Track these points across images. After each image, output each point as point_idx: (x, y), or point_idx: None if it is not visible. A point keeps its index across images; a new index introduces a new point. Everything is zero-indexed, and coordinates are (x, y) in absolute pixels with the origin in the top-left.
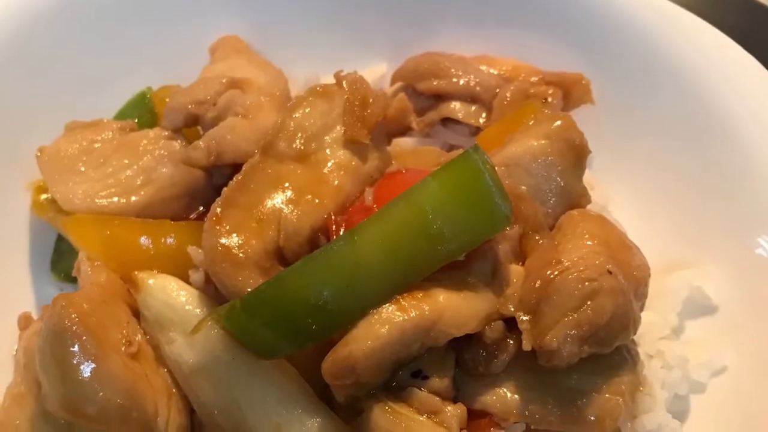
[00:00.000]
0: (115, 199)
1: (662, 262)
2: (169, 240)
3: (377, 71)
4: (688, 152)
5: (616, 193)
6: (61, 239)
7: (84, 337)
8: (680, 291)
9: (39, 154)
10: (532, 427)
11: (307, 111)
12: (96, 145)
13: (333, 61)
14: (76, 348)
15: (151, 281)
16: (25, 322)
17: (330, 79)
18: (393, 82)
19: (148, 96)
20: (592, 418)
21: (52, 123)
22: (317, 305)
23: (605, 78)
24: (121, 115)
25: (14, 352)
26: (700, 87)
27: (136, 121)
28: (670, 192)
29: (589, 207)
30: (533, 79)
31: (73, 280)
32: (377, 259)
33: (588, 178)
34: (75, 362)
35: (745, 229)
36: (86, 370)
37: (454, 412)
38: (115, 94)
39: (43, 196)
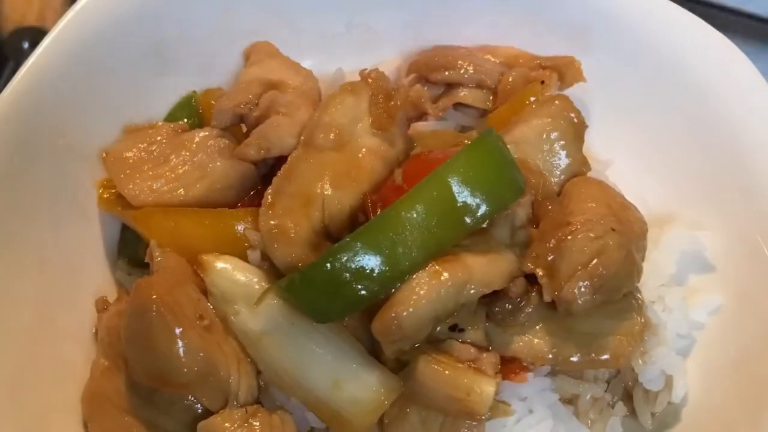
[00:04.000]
0: (177, 192)
1: (657, 218)
2: (228, 225)
3: (392, 64)
4: (674, 118)
5: (612, 159)
6: (125, 229)
7: (165, 314)
8: (676, 243)
9: (105, 155)
10: (557, 367)
11: (339, 106)
12: (154, 146)
13: (350, 55)
14: (158, 324)
15: (216, 262)
16: (102, 304)
17: (354, 75)
18: (408, 73)
19: (194, 99)
20: (607, 356)
21: (108, 126)
22: (365, 274)
23: (592, 58)
24: (170, 117)
25: (93, 331)
26: (679, 59)
27: (186, 122)
28: (661, 155)
29: (589, 174)
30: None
31: (139, 265)
32: (413, 231)
33: (586, 148)
34: (159, 336)
35: (735, 186)
36: (169, 342)
37: (489, 359)
38: (158, 98)
39: (108, 193)
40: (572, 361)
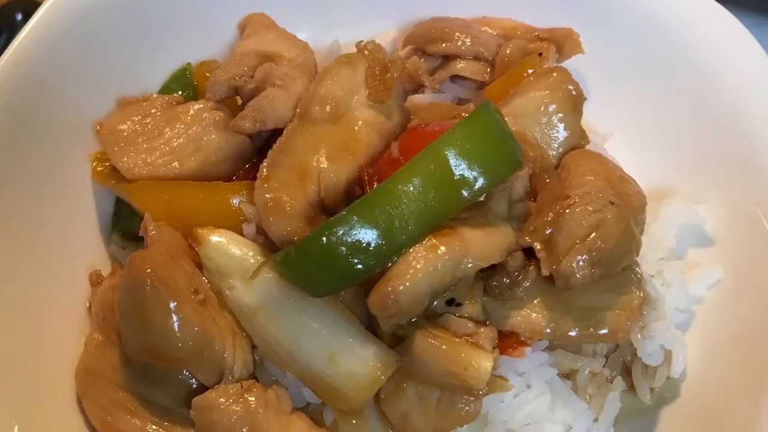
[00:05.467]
0: (171, 165)
1: (656, 191)
2: (223, 198)
3: (388, 36)
4: (673, 91)
5: (610, 132)
6: (119, 203)
7: (159, 288)
8: (675, 216)
9: (99, 128)
10: (555, 342)
11: (335, 78)
12: (149, 119)
13: (346, 26)
14: (153, 298)
15: (210, 236)
16: (96, 278)
17: (350, 47)
18: (404, 45)
19: (189, 71)
20: (606, 331)
21: (101, 99)
22: (361, 247)
23: (591, 30)
24: (165, 90)
25: (87, 305)
26: (677, 32)
27: (181, 94)
28: (660, 128)
29: (588, 147)
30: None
31: (133, 239)
32: (410, 204)
33: (585, 121)
34: (153, 310)
35: (735, 159)
36: (163, 316)
37: (487, 333)
38: (152, 70)
39: (102, 166)
40: (570, 336)
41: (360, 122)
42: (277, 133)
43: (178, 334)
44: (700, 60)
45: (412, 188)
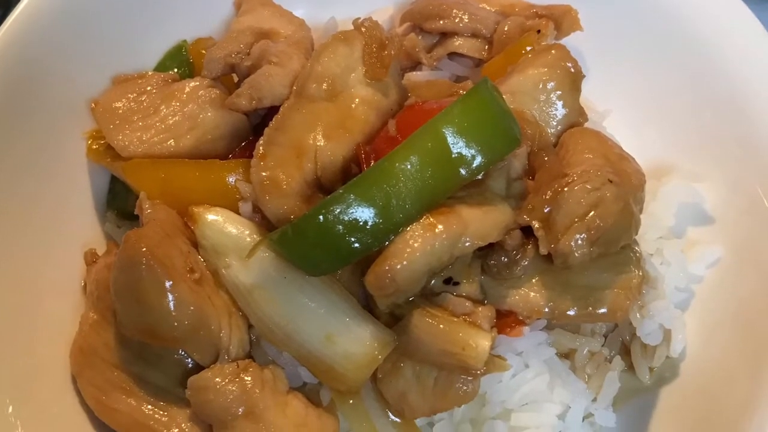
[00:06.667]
0: (167, 143)
1: (655, 169)
2: (219, 176)
3: (385, 12)
4: (672, 68)
5: (609, 110)
6: (114, 181)
7: (155, 267)
8: (674, 194)
9: (94, 106)
10: (553, 321)
11: (331, 55)
12: (144, 96)
13: (343, 4)
14: (148, 276)
15: (206, 214)
16: (91, 257)
17: (347, 25)
18: (402, 22)
19: (185, 48)
20: (604, 310)
21: (96, 76)
22: (358, 226)
23: (590, 6)
24: (160, 67)
25: (82, 284)
26: (676, 8)
27: (176, 71)
28: (659, 106)
29: (586, 124)
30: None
31: (128, 218)
32: (407, 183)
33: (583, 98)
34: (148, 289)
35: (734, 136)
36: (159, 295)
37: (484, 312)
38: (148, 48)
39: (97, 144)
40: (569, 315)
41: (357, 100)
42: (273, 110)
43: (173, 313)
44: (699, 37)
45: (409, 166)
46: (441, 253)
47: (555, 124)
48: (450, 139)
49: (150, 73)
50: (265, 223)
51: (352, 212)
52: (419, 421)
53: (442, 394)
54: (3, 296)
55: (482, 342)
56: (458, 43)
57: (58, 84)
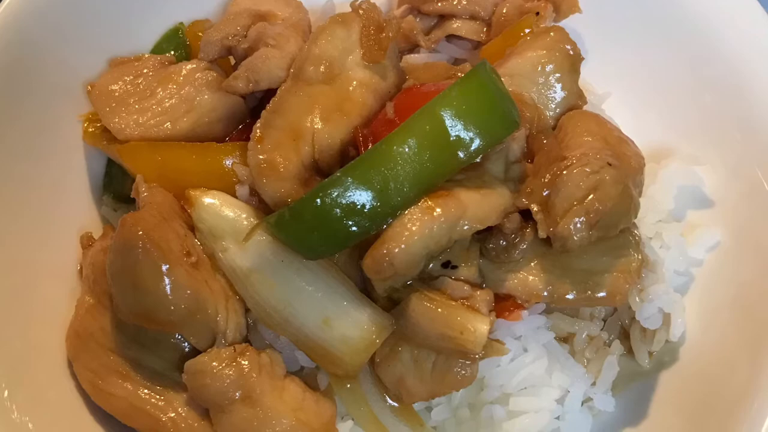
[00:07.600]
0: (164, 126)
1: (655, 152)
2: (216, 159)
3: None
4: (672, 51)
5: (608, 92)
6: (111, 164)
7: (152, 250)
8: (674, 177)
9: (90, 88)
10: (552, 305)
11: (329, 38)
12: (140, 79)
13: None
14: (144, 260)
15: (203, 197)
16: (87, 240)
17: (345, 7)
18: (400, 4)
19: (181, 31)
20: (603, 294)
21: (92, 59)
22: (356, 209)
23: None
24: (157, 50)
25: (78, 268)
26: None
27: (173, 54)
28: (658, 89)
29: (585, 107)
30: None
31: (125, 201)
32: (405, 166)
33: (582, 81)
34: (145, 273)
35: (734, 119)
36: (155, 279)
37: (483, 296)
38: (144, 30)
39: (93, 127)
40: (568, 299)
41: (354, 82)
42: (270, 93)
43: (170, 297)
44: (699, 19)
45: (407, 149)
46: (439, 236)
47: (554, 106)
48: (448, 122)
49: (146, 56)
50: (262, 207)
51: (350, 195)
52: (417, 406)
53: (440, 378)
54: None
55: (480, 326)
56: (456, 26)
57: (54, 67)
